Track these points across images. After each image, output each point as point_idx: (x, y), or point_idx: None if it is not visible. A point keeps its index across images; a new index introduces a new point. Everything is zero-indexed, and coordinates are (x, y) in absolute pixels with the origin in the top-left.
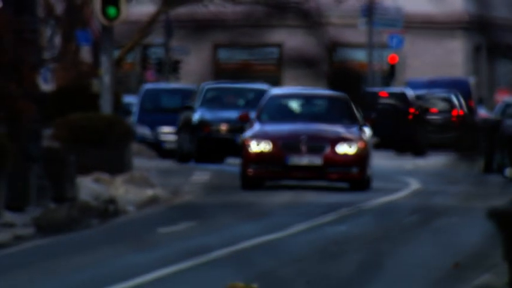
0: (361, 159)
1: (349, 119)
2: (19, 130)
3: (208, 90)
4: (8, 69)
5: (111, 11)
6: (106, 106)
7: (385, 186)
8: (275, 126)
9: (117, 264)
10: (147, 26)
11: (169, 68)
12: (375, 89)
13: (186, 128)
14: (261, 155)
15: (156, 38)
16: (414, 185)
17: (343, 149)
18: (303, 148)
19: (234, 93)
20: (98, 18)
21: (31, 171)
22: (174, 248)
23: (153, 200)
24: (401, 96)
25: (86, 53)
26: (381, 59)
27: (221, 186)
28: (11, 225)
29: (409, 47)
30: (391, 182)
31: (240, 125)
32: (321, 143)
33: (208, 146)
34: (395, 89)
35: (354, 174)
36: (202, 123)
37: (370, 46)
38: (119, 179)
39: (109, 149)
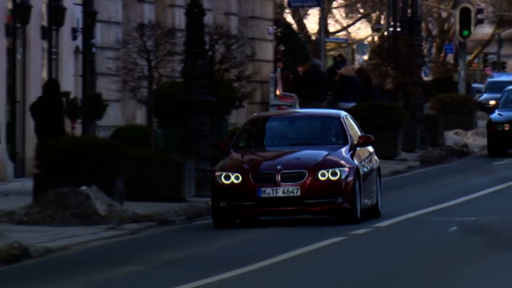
0: (347, 186)
1: (340, 139)
2: (412, 105)
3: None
4: (403, 67)
5: (465, 32)
6: (461, 89)
7: None
8: (249, 154)
9: (466, 184)
10: (487, 41)
11: (500, 66)
12: None
13: None
14: (230, 188)
15: (491, 48)
16: None
17: (325, 175)
18: (278, 178)
19: None
20: (457, 37)
21: (416, 128)
22: (503, 174)
23: None
24: None
25: (450, 58)
26: None
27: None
28: (405, 160)
29: None
30: None
31: None
32: (298, 171)
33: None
34: None
35: (339, 205)
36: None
37: None
38: (470, 132)
39: (464, 114)
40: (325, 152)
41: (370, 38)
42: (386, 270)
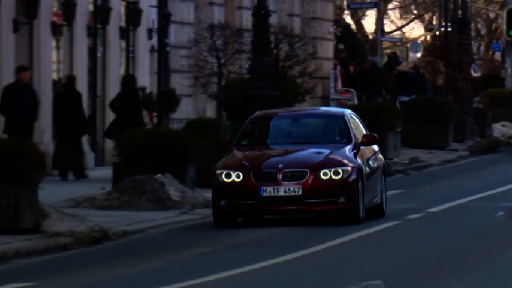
0: (349, 186)
1: (344, 138)
2: (462, 99)
3: None
4: (454, 65)
5: (511, 32)
6: (508, 85)
7: None
8: (252, 152)
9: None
10: None
11: None
12: None
13: None
14: (231, 187)
15: None
16: None
17: (327, 175)
18: (279, 177)
19: None
20: (504, 36)
21: (466, 120)
22: None
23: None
24: None
25: (497, 56)
26: None
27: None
28: (455, 150)
29: None
30: None
31: None
32: (300, 170)
33: None
34: None
35: (341, 205)
36: None
37: None
38: None
39: (510, 107)
40: (328, 151)
41: (423, 38)
42: (436, 253)
